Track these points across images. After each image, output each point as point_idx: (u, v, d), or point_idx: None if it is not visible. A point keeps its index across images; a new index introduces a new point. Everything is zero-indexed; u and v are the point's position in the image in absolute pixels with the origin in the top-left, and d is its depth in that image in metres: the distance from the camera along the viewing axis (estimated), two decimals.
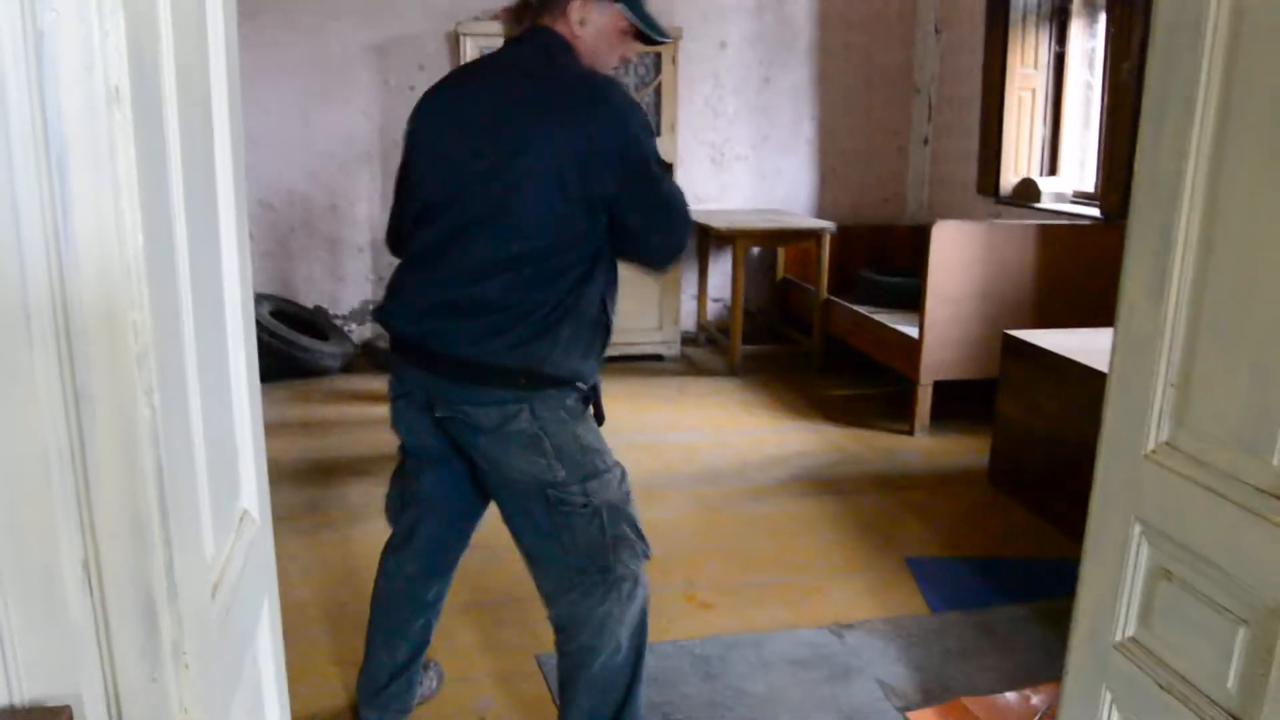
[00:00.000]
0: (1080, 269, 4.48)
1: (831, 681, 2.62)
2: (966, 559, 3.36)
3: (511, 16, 2.09)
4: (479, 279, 1.92)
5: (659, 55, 5.55)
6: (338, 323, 5.92)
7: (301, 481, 3.97)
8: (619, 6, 1.99)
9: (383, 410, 5.10)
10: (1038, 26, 5.42)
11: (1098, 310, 3.82)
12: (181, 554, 0.81)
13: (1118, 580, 1.41)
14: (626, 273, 2.11)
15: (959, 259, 4.42)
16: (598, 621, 2.02)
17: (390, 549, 2.33)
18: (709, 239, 5.87)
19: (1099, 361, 3.18)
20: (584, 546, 1.99)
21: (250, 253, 1.20)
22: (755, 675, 2.64)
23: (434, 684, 2.53)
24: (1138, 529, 1.37)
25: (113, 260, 0.73)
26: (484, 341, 1.91)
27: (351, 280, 5.95)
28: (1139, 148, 1.34)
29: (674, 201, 2.01)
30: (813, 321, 5.68)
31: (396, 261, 2.19)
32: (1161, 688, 1.33)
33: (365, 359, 5.74)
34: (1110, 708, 1.44)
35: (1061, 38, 5.40)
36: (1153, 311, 1.32)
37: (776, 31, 6.17)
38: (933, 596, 3.08)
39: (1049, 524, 3.63)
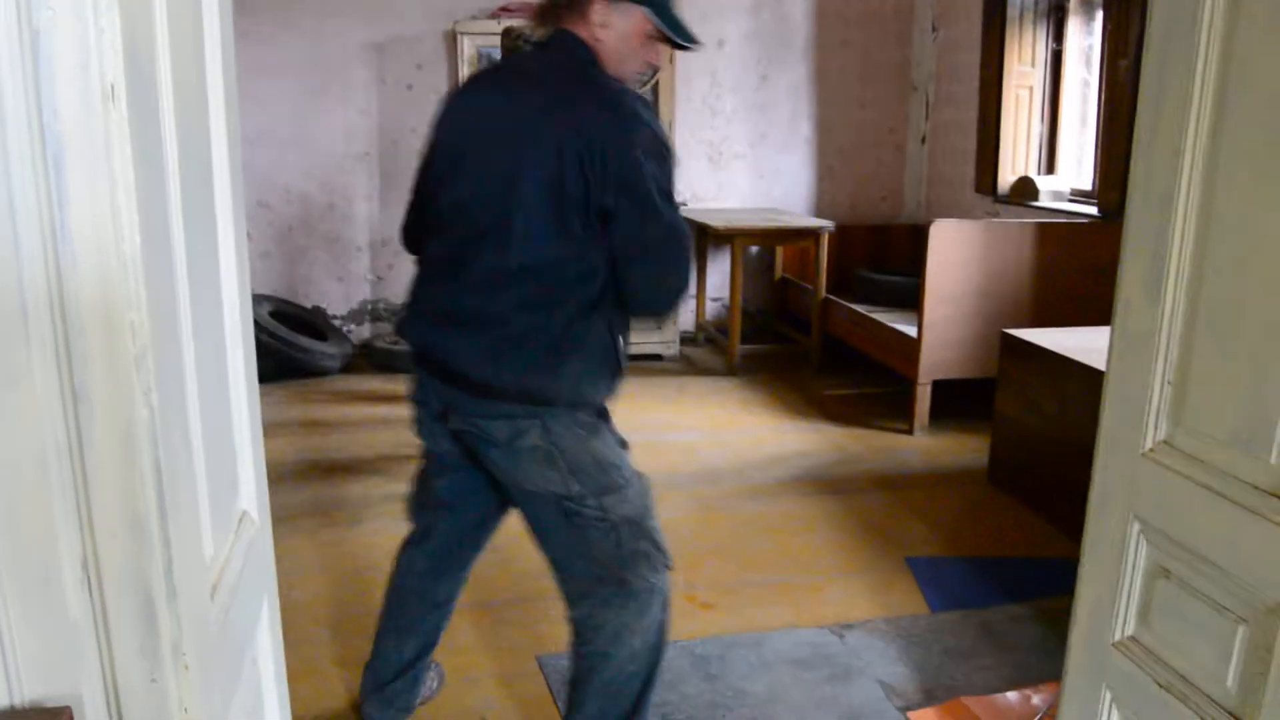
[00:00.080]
0: (1079, 267, 4.48)
1: (832, 681, 2.61)
2: (966, 558, 3.36)
3: (536, 17, 2.02)
4: (486, 292, 1.90)
5: None
6: (336, 323, 5.92)
7: (301, 482, 3.97)
8: (643, 10, 1.91)
9: (382, 410, 5.12)
10: (1035, 24, 5.42)
11: (1096, 309, 3.82)
12: (180, 554, 0.81)
13: (1116, 579, 1.41)
14: None
15: (957, 258, 4.42)
16: (613, 630, 2.03)
17: (406, 544, 2.35)
18: (707, 238, 5.87)
19: (1098, 360, 3.18)
20: (601, 558, 1.99)
21: (248, 253, 1.20)
22: (755, 675, 2.64)
23: (434, 684, 2.53)
24: (1136, 528, 1.37)
25: (110, 259, 0.73)
26: (492, 364, 1.90)
27: (350, 280, 5.95)
28: (1135, 146, 1.34)
29: (670, 241, 1.92)
30: (811, 321, 5.68)
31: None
32: (1161, 686, 1.33)
33: (364, 359, 5.74)
34: (1110, 706, 1.44)
35: (1059, 35, 5.40)
36: (1149, 310, 1.32)
37: (774, 29, 6.17)
38: (933, 596, 3.08)
39: (1048, 523, 3.63)
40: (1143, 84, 1.32)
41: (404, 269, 5.91)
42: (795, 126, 6.35)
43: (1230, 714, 1.22)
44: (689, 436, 4.56)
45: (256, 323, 4.94)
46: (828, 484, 4.03)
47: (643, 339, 5.75)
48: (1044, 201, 5.29)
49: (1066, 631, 1.54)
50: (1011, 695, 2.54)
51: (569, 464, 1.93)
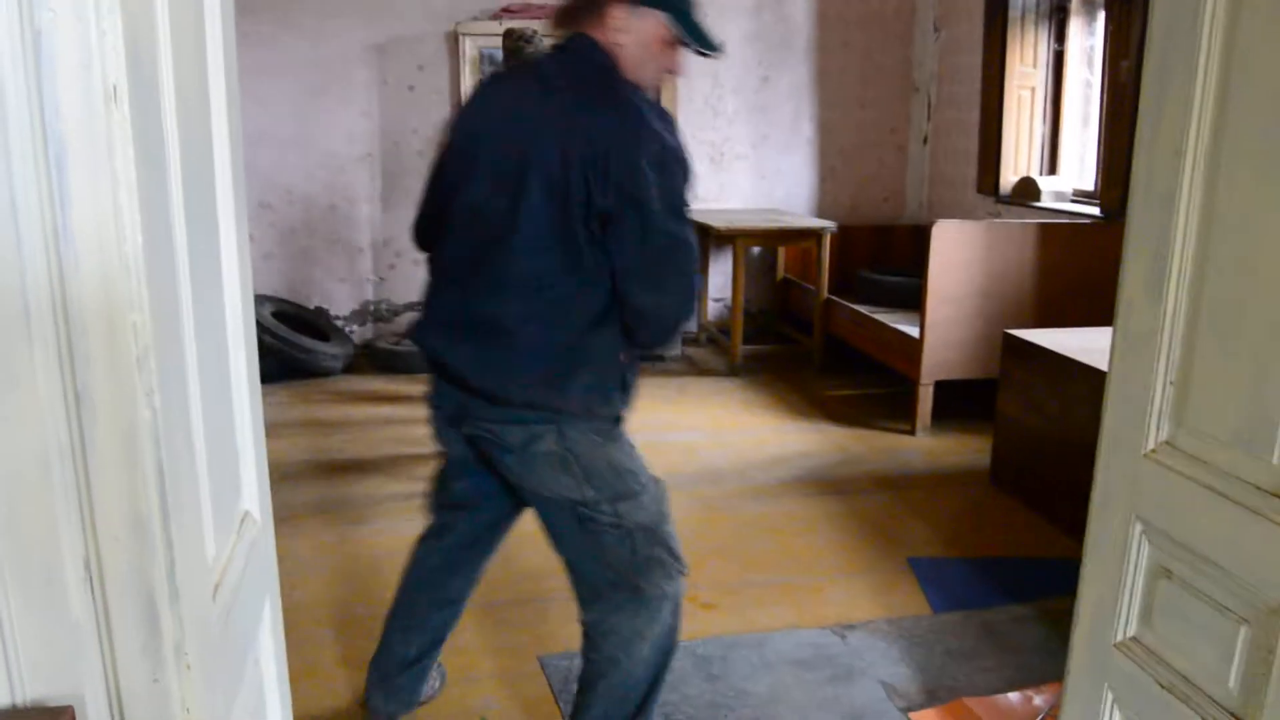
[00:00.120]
0: (1081, 268, 4.48)
1: (834, 682, 2.61)
2: (968, 559, 3.36)
3: (556, 20, 1.98)
4: (493, 302, 1.89)
5: None
6: (338, 323, 5.92)
7: (303, 482, 3.97)
8: (662, 15, 1.88)
9: (384, 410, 5.13)
10: (1037, 25, 5.42)
11: (1099, 309, 3.82)
12: (183, 555, 0.81)
13: (1118, 580, 1.40)
14: None
15: (959, 258, 4.42)
16: (624, 636, 2.02)
17: (423, 539, 2.35)
18: (709, 239, 5.87)
19: (1100, 360, 3.18)
20: (615, 564, 1.98)
21: (250, 253, 1.20)
22: (757, 676, 2.64)
23: (436, 684, 2.53)
24: (1138, 528, 1.37)
25: (112, 260, 0.73)
26: (499, 376, 1.90)
27: (352, 281, 5.95)
28: (1136, 146, 1.34)
29: (670, 258, 1.87)
30: (813, 321, 5.68)
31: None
32: (1163, 687, 1.32)
33: (366, 360, 5.74)
34: (1112, 707, 1.44)
35: (1060, 36, 5.40)
36: (1151, 310, 1.32)
37: (775, 30, 6.17)
38: (935, 597, 3.08)
39: (1051, 523, 3.63)
40: (1144, 84, 1.32)
41: (406, 270, 5.93)
42: (797, 127, 6.35)
43: (1232, 715, 1.22)
44: (691, 437, 4.56)
45: (259, 323, 4.95)
46: (830, 484, 4.03)
47: None
48: (1046, 202, 5.29)
49: (1068, 632, 1.54)
50: (1013, 696, 2.54)
51: (584, 469, 1.92)
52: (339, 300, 5.96)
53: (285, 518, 3.55)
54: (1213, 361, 1.24)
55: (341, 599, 3.03)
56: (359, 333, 6.01)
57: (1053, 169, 5.54)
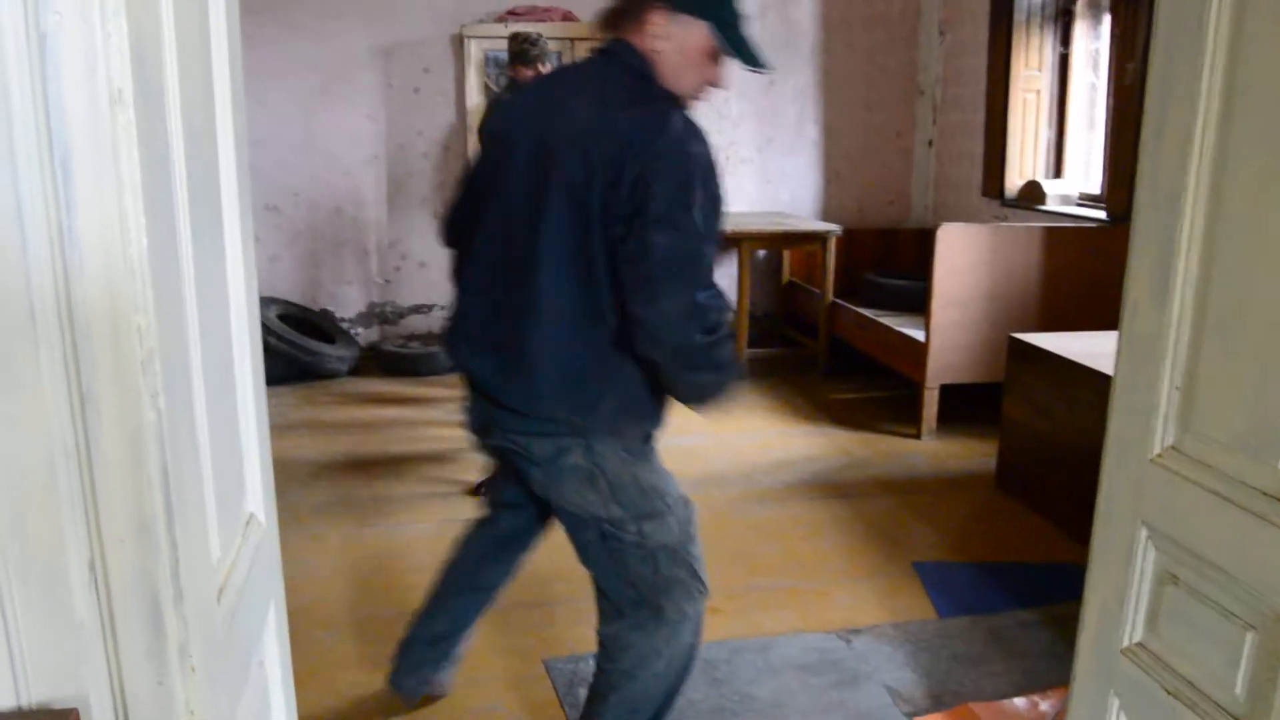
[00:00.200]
0: (1086, 271, 4.48)
1: (839, 687, 2.61)
2: (974, 563, 3.35)
3: (600, 24, 1.93)
4: (516, 316, 1.84)
5: None
6: (344, 326, 5.93)
7: (309, 484, 3.98)
8: (706, 25, 1.82)
9: (390, 413, 5.13)
10: (1042, 28, 5.41)
11: (1105, 313, 3.81)
12: (187, 557, 0.81)
13: (1124, 585, 1.40)
14: None
15: (965, 262, 4.41)
16: (641, 653, 2.01)
17: (473, 525, 2.39)
18: None
19: (1106, 365, 3.17)
20: (637, 583, 1.97)
21: (256, 256, 1.20)
22: (762, 680, 2.63)
23: (445, 684, 2.52)
24: (1144, 533, 1.36)
25: (117, 263, 0.73)
26: (525, 394, 1.87)
27: (358, 283, 5.96)
28: (1141, 150, 1.34)
29: (674, 272, 1.74)
30: (818, 324, 5.67)
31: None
32: (1169, 693, 1.32)
33: (372, 362, 5.75)
34: (1118, 713, 1.43)
35: (1066, 39, 5.39)
36: (1157, 314, 1.31)
37: (780, 33, 6.17)
38: (940, 601, 3.07)
39: (1057, 528, 3.62)
40: (1149, 87, 1.32)
41: (411, 272, 5.94)
42: (802, 130, 6.35)
43: None
44: (695, 440, 4.56)
45: (264, 325, 4.95)
46: (835, 488, 4.02)
47: None
48: (1051, 205, 5.28)
49: (1075, 637, 1.53)
50: (1019, 701, 2.53)
51: (611, 486, 1.90)
52: (345, 302, 5.97)
53: (290, 520, 3.55)
54: (1219, 366, 1.24)
55: (347, 601, 3.03)
56: (365, 335, 6.01)
57: (1058, 172, 5.53)
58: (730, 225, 5.50)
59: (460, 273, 2.06)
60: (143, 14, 0.76)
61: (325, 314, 5.89)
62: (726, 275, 6.24)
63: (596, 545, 1.97)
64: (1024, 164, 5.57)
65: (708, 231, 1.77)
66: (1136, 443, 1.36)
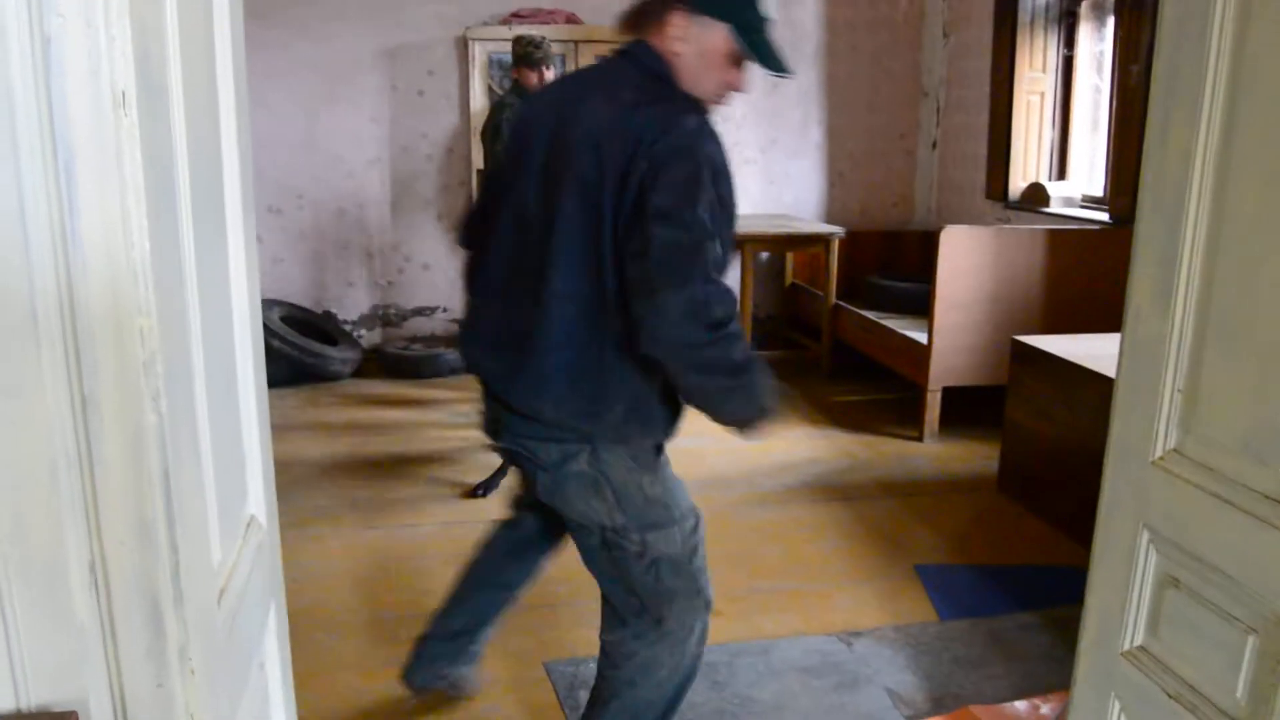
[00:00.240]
0: (1090, 274, 4.47)
1: (840, 689, 2.61)
2: (976, 566, 3.34)
3: (623, 24, 1.92)
4: (528, 313, 1.82)
5: None
6: (347, 328, 5.93)
7: (311, 487, 3.98)
8: (726, 28, 1.78)
9: (392, 415, 5.13)
10: (1046, 30, 5.41)
11: (1108, 315, 3.81)
12: (188, 559, 0.81)
13: (1126, 588, 1.40)
14: None
15: (968, 264, 4.41)
16: (642, 661, 2.00)
17: (499, 525, 2.40)
18: None
19: (1108, 367, 3.17)
20: (640, 592, 1.96)
21: (259, 258, 1.20)
22: (763, 683, 2.63)
23: (466, 683, 2.49)
24: (1146, 536, 1.36)
25: (120, 265, 0.73)
26: (533, 398, 1.84)
27: (361, 285, 5.96)
28: (1144, 154, 1.33)
29: (672, 269, 1.69)
30: (821, 327, 5.67)
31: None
32: (1170, 696, 1.32)
33: (374, 364, 5.75)
34: (1119, 717, 1.43)
35: (1070, 41, 5.39)
36: (1160, 317, 1.31)
37: (784, 35, 6.15)
38: (942, 604, 3.07)
39: (1059, 530, 3.61)
40: (1153, 89, 1.32)
41: (414, 274, 5.94)
42: (805, 132, 6.35)
43: None
44: (698, 442, 4.54)
45: (267, 328, 4.97)
46: (837, 491, 4.02)
47: None
48: (1055, 208, 5.28)
49: (1076, 640, 1.53)
50: (1020, 704, 2.53)
51: (616, 494, 1.88)
52: (348, 305, 5.98)
53: (292, 522, 3.55)
54: (1221, 369, 1.23)
55: (349, 603, 3.04)
56: (367, 337, 6.02)
57: (1062, 174, 5.53)
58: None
59: (474, 274, 2.05)
60: (146, 16, 0.76)
61: (328, 316, 5.90)
62: (730, 277, 6.24)
63: (599, 552, 1.96)
64: (1027, 166, 5.57)
65: (715, 229, 1.72)
66: (1138, 445, 1.36)
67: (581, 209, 1.75)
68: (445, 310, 6.06)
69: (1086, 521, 1.53)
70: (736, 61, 1.83)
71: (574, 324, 1.79)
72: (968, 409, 4.71)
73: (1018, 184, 5.58)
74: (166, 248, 0.80)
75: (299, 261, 5.85)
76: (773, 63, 1.82)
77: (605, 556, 1.96)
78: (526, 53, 4.08)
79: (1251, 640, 1.20)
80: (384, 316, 6.02)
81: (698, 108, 1.83)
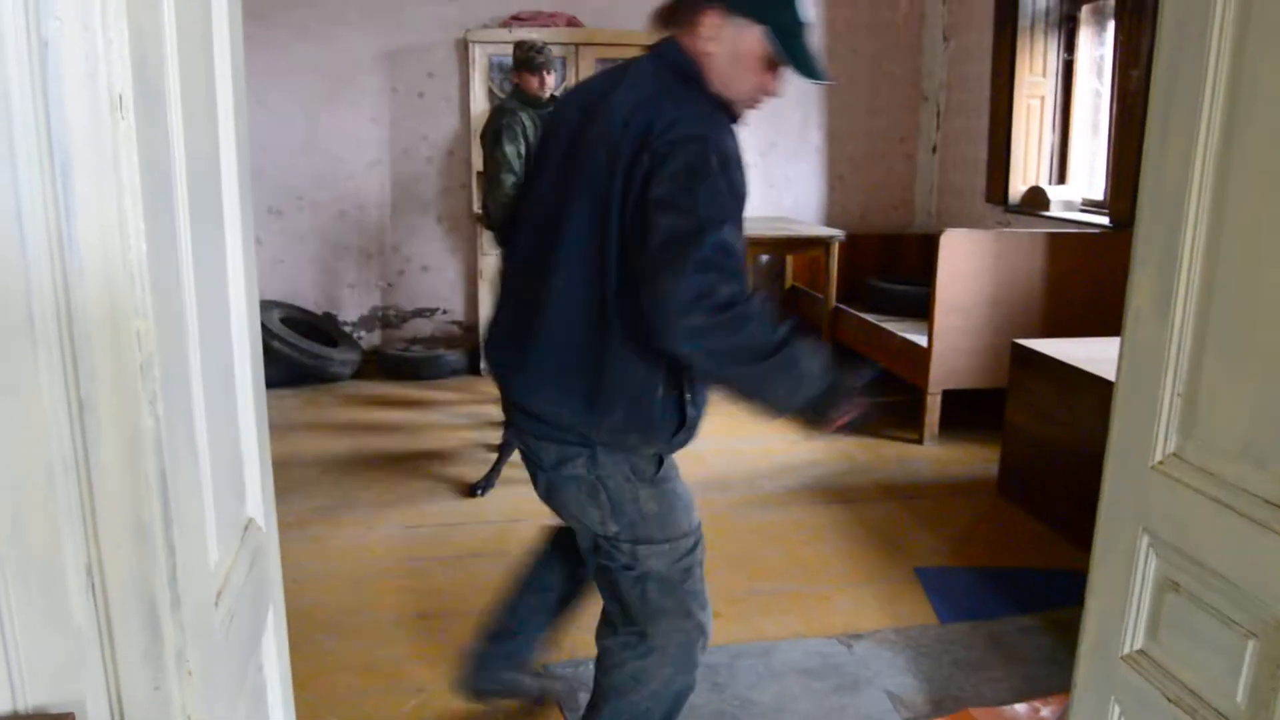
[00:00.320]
0: (1090, 277, 4.47)
1: (840, 692, 2.60)
2: (976, 569, 3.34)
3: (654, 20, 1.85)
4: (536, 309, 1.80)
5: None
6: (347, 329, 5.94)
7: (310, 488, 3.98)
8: (763, 30, 1.72)
9: (392, 416, 5.13)
10: (1046, 34, 5.41)
11: (1108, 319, 3.81)
12: (185, 562, 0.81)
13: (1125, 592, 1.40)
14: None
15: (968, 268, 4.41)
16: (632, 672, 1.98)
17: (547, 527, 2.37)
18: None
19: (1108, 371, 3.17)
20: (626, 603, 1.93)
21: (259, 259, 1.20)
22: (763, 685, 2.63)
23: (538, 692, 2.47)
24: (1145, 540, 1.36)
25: (116, 268, 0.73)
26: (534, 390, 1.83)
27: (360, 287, 5.97)
28: (1144, 158, 1.33)
29: (675, 254, 1.60)
30: (821, 329, 5.67)
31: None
32: (1170, 700, 1.32)
33: (374, 366, 5.75)
34: None
35: (1070, 45, 5.39)
36: (1159, 322, 1.31)
37: None
38: (942, 607, 3.06)
39: (1059, 534, 3.61)
40: (1152, 95, 1.32)
41: (414, 276, 5.94)
42: (805, 135, 6.35)
43: None
44: (699, 445, 4.53)
45: (267, 329, 4.97)
46: (837, 493, 4.02)
47: None
48: (1055, 211, 5.28)
49: (1075, 643, 1.53)
50: (1020, 707, 2.52)
51: (611, 502, 1.85)
52: (348, 306, 5.98)
53: (292, 523, 3.55)
54: (1221, 373, 1.23)
55: (348, 604, 3.03)
56: (367, 339, 6.02)
57: (1062, 178, 5.53)
58: None
59: (503, 272, 2.04)
60: (144, 19, 0.76)
61: (328, 317, 5.90)
62: None
63: (591, 556, 1.95)
64: (1027, 170, 5.57)
65: (723, 214, 1.64)
66: (1138, 449, 1.36)
67: (589, 207, 1.72)
68: (445, 312, 6.06)
69: (1086, 525, 1.53)
70: (771, 65, 1.76)
71: (575, 323, 1.76)
72: (968, 412, 4.71)
73: (1018, 188, 5.58)
74: (163, 250, 0.80)
75: (299, 263, 5.85)
76: (809, 69, 1.76)
77: (596, 562, 1.94)
78: (528, 58, 4.08)
79: (1251, 644, 1.20)
80: (384, 318, 6.02)
81: (721, 107, 1.78)
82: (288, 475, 3.97)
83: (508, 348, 1.89)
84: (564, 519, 1.97)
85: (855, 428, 1.81)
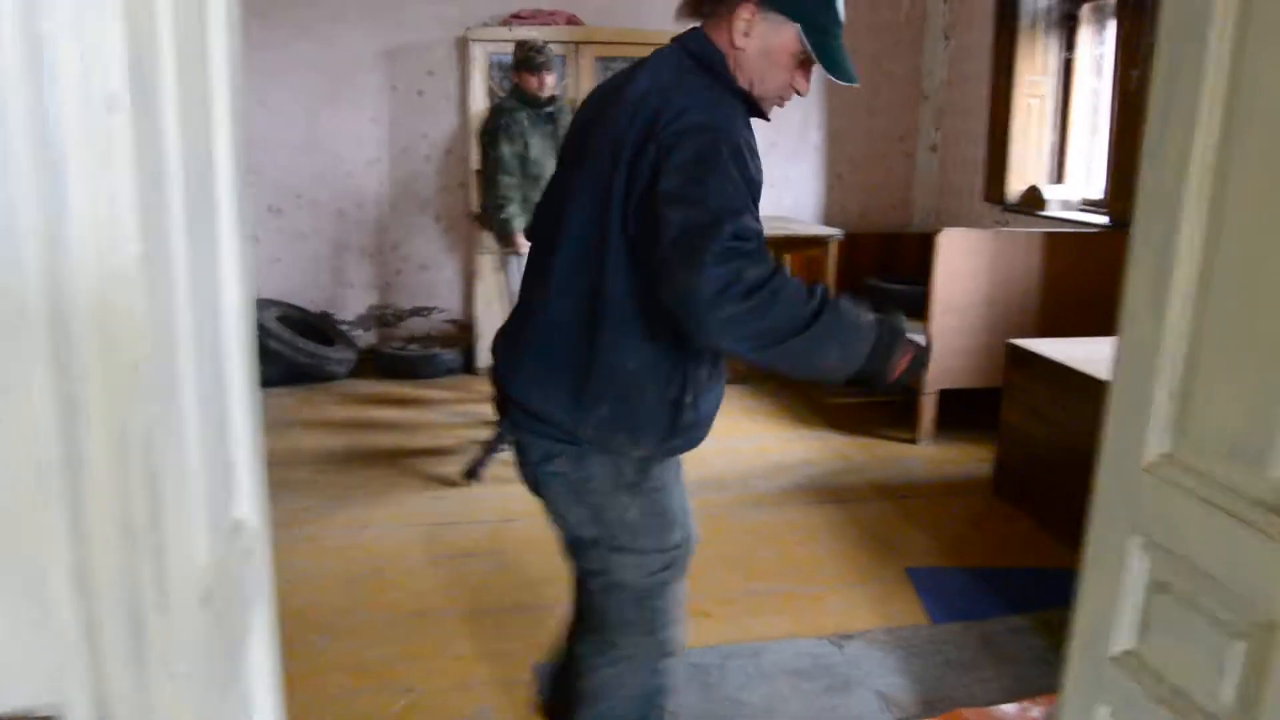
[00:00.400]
0: (1087, 277, 4.47)
1: (830, 692, 2.61)
2: (968, 569, 3.35)
3: (680, 9, 1.80)
4: (537, 303, 1.78)
5: None
6: (343, 328, 5.93)
7: (305, 487, 3.97)
8: (798, 28, 1.69)
9: (388, 414, 5.12)
10: (1046, 33, 5.42)
11: (1105, 319, 3.81)
12: (172, 562, 0.81)
13: (1116, 592, 1.40)
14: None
15: (965, 267, 4.41)
16: (603, 680, 1.93)
17: None
18: None
19: (1103, 371, 3.16)
20: (594, 609, 1.91)
21: (256, 258, 1.20)
22: (753, 685, 2.63)
23: None
24: (1136, 541, 1.36)
25: (108, 268, 0.73)
26: (525, 385, 1.80)
27: (358, 286, 5.96)
28: (1142, 158, 1.33)
29: (689, 246, 1.54)
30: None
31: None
32: (1158, 700, 1.32)
33: (371, 364, 5.75)
34: None
35: (1070, 44, 5.40)
36: (1154, 322, 1.31)
37: None
38: (933, 607, 3.07)
39: (1052, 534, 3.61)
40: (1151, 94, 1.31)
41: (412, 275, 5.94)
42: (805, 134, 6.35)
43: None
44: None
45: (263, 328, 4.96)
46: (831, 493, 4.02)
47: None
48: (1053, 211, 5.28)
49: (1066, 644, 1.53)
50: (1010, 708, 2.53)
51: (592, 505, 1.81)
52: (345, 305, 5.97)
53: (285, 522, 3.55)
54: (1215, 374, 1.23)
55: (341, 604, 3.03)
56: (364, 337, 6.02)
57: (1060, 178, 5.53)
58: None
59: (525, 270, 2.02)
60: (139, 18, 0.76)
61: (325, 316, 5.89)
62: None
63: (566, 554, 1.93)
64: (1026, 169, 5.57)
65: (735, 205, 1.61)
66: (1131, 450, 1.36)
67: (589, 204, 1.70)
68: (442, 311, 6.06)
69: (1080, 525, 1.53)
70: (802, 64, 1.74)
71: (569, 320, 1.74)
72: (963, 412, 4.71)
73: (1016, 187, 5.58)
74: (156, 250, 0.80)
75: (297, 261, 5.85)
76: (840, 70, 1.73)
77: (570, 562, 1.93)
78: (527, 58, 4.08)
79: (1240, 646, 1.20)
80: (381, 317, 6.02)
81: (740, 98, 1.75)
82: (282, 474, 3.97)
83: (510, 346, 1.88)
84: (549, 518, 1.96)
85: (916, 371, 1.76)
